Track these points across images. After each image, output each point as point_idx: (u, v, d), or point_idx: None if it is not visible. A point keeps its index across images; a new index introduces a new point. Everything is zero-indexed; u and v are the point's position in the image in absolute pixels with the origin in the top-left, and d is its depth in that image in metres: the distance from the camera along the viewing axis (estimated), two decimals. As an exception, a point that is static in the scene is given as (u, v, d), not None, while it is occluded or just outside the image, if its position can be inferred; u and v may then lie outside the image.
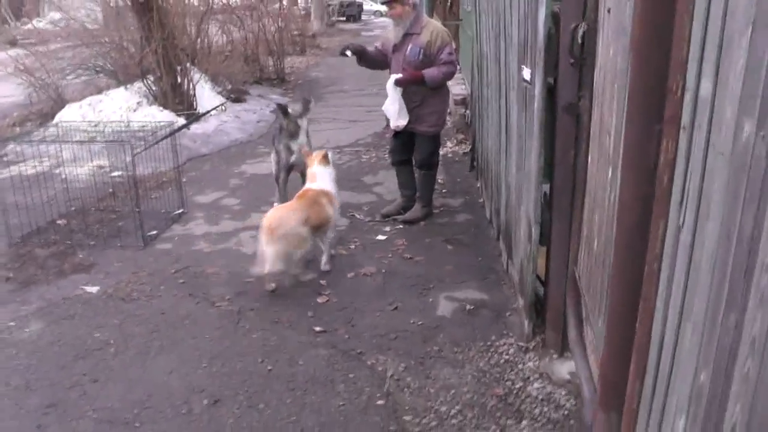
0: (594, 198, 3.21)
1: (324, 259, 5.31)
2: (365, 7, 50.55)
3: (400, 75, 5.97)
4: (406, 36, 5.96)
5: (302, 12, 28.55)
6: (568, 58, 3.54)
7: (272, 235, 4.84)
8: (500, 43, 5.22)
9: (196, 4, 12.28)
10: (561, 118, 3.69)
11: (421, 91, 5.98)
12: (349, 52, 6.16)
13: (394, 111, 6.08)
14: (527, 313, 4.19)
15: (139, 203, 6.03)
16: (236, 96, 12.11)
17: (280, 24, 16.18)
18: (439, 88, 6.11)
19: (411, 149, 6.38)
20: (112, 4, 12.12)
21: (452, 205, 6.77)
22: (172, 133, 6.37)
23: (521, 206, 4.42)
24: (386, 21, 37.64)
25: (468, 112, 9.35)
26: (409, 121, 6.10)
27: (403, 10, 5.90)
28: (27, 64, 11.51)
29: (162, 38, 9.68)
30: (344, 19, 39.59)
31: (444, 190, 6.65)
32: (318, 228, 5.18)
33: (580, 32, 3.31)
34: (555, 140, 3.78)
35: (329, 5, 33.73)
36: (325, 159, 5.48)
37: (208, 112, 10.26)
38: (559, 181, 3.80)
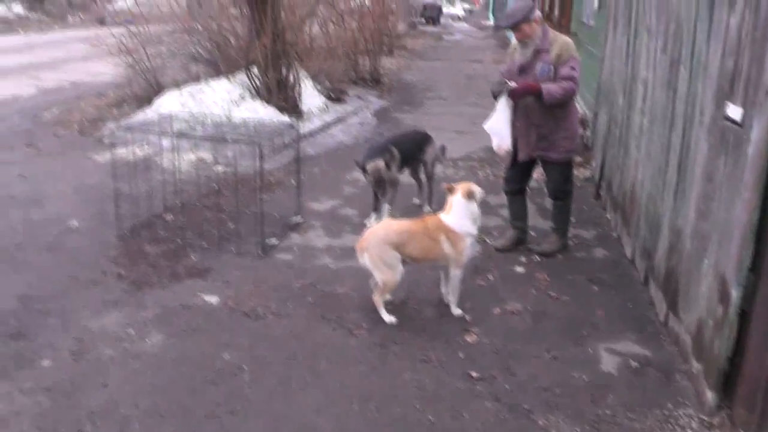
0: None
1: (451, 302, 4.78)
2: (444, 10, 50.35)
3: (514, 84, 5.40)
4: (536, 53, 5.45)
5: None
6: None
7: (360, 245, 4.64)
8: (678, 69, 4.71)
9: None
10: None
11: (553, 114, 5.47)
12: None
13: (498, 130, 5.44)
14: (713, 384, 3.69)
15: (262, 208, 5.69)
16: (336, 96, 11.79)
17: (376, 24, 15.83)
18: (568, 108, 5.58)
19: (528, 177, 5.96)
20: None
21: (585, 237, 6.29)
22: (302, 138, 6.01)
23: (705, 259, 3.93)
24: (464, 27, 37.29)
25: (588, 133, 8.84)
26: (540, 148, 5.63)
27: (531, 29, 5.38)
28: (128, 45, 11.35)
29: (273, 32, 9.37)
30: (424, 21, 39.41)
31: (573, 219, 6.19)
32: (419, 261, 4.72)
33: None
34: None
35: (412, 7, 33.42)
36: (469, 193, 4.76)
37: (329, 124, 10.08)
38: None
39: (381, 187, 6.24)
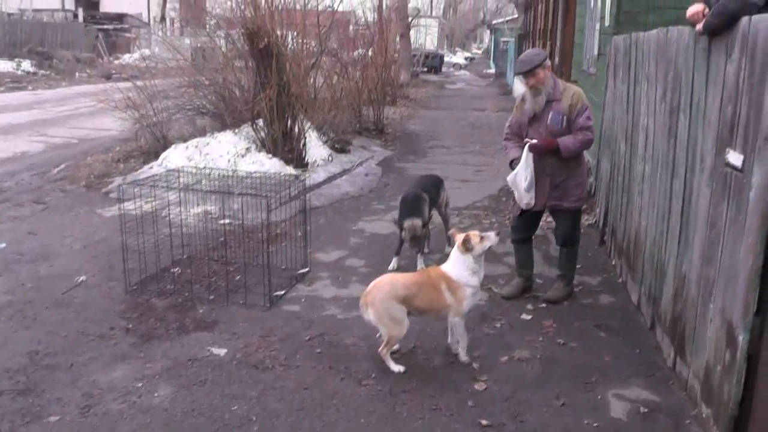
0: None
1: (460, 350, 4.77)
2: (445, 59, 51.00)
3: (534, 141, 5.48)
4: (548, 103, 5.52)
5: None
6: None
7: (364, 300, 4.61)
8: (678, 117, 4.79)
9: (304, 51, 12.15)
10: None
11: (565, 163, 5.55)
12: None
13: (523, 185, 5.52)
14: (723, 429, 3.67)
15: (269, 260, 5.72)
16: (341, 147, 11.93)
17: (379, 74, 16.07)
18: (579, 156, 5.70)
19: (535, 226, 6.06)
20: (221, 47, 12.10)
21: (590, 283, 6.30)
22: (308, 190, 6.09)
23: (711, 304, 3.94)
24: (466, 75, 37.74)
25: (591, 179, 8.89)
26: (554, 198, 5.68)
27: (544, 75, 5.46)
28: (134, 99, 11.51)
29: (279, 84, 9.53)
30: (426, 70, 39.91)
31: (578, 266, 6.22)
32: (426, 313, 4.76)
33: None
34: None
35: (414, 56, 33.90)
36: (464, 244, 4.68)
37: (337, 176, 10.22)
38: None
39: (416, 243, 6.41)
